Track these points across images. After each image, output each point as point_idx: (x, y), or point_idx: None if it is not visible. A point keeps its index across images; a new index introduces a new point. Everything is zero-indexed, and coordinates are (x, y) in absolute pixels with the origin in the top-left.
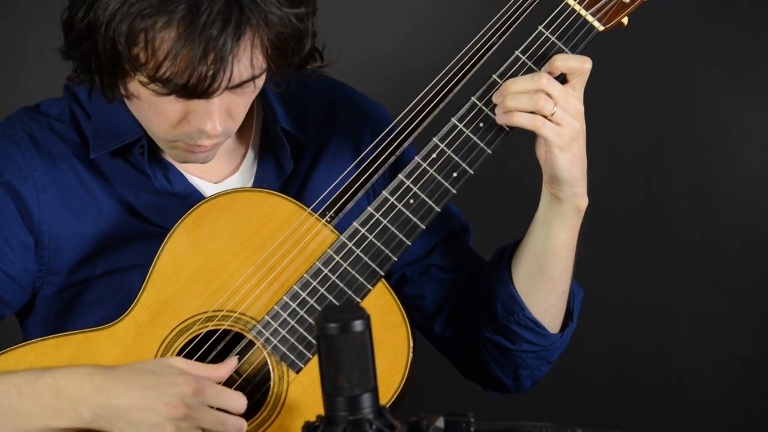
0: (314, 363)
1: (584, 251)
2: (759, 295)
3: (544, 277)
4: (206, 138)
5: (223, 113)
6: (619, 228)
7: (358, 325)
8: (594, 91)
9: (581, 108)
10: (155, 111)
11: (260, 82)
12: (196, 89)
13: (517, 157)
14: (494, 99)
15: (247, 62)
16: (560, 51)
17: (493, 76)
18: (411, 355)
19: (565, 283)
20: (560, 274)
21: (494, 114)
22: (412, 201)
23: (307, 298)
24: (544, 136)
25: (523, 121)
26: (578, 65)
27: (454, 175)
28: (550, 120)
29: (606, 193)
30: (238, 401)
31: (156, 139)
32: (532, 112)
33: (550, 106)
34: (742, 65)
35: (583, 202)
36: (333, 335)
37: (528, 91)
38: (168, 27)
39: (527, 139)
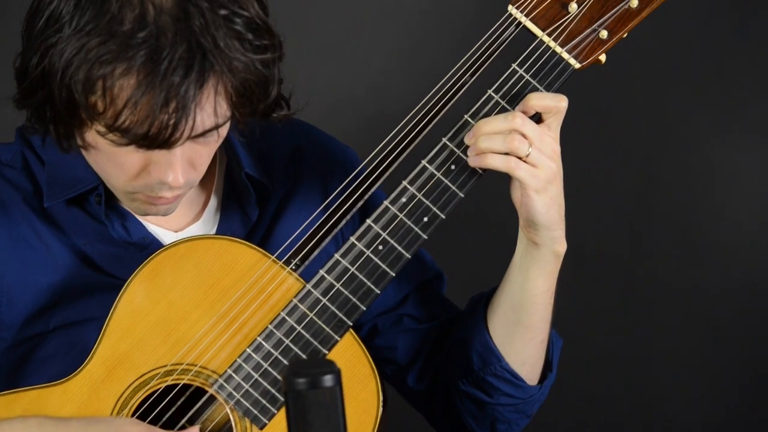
0: (279, 418)
1: (566, 300)
2: (747, 343)
3: (522, 326)
4: (168, 190)
5: (186, 164)
6: (603, 277)
7: (328, 380)
8: (575, 135)
9: (557, 148)
10: (114, 162)
11: (224, 131)
12: (157, 139)
13: (492, 200)
14: (466, 140)
15: (211, 110)
16: (535, 89)
17: (465, 116)
18: (381, 409)
19: (544, 332)
20: (538, 322)
21: (466, 156)
22: (381, 247)
23: (272, 350)
24: (519, 179)
25: (496, 163)
26: (553, 104)
27: (425, 219)
28: (525, 161)
29: (590, 240)
30: None
31: (115, 191)
32: (507, 154)
33: (525, 147)
34: (727, 112)
35: (561, 246)
36: (302, 391)
37: (501, 131)
38: (127, 74)
39: (502, 181)
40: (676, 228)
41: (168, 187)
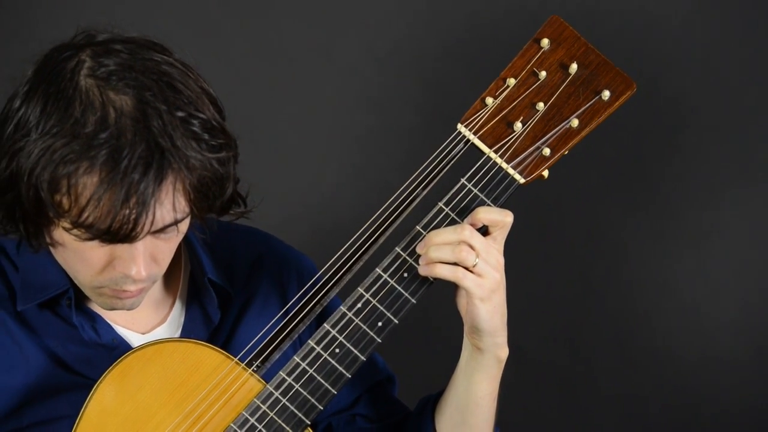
0: None
1: (507, 402)
2: None
3: (467, 426)
4: (131, 283)
5: (148, 258)
6: (543, 382)
7: None
8: (518, 247)
9: (502, 260)
10: (80, 258)
11: (183, 226)
12: (119, 233)
13: (440, 308)
14: (418, 249)
15: (170, 206)
16: (483, 203)
17: (417, 227)
18: None
19: (488, 430)
20: (482, 423)
21: (418, 264)
22: (337, 350)
23: None
24: (465, 288)
25: (444, 272)
26: (500, 218)
27: (379, 324)
28: (471, 271)
29: (530, 347)
30: None
31: (82, 287)
32: (455, 264)
33: (472, 258)
34: (659, 220)
35: (504, 352)
36: None
37: (451, 242)
38: (90, 172)
39: (449, 290)
40: (610, 334)
41: (132, 280)
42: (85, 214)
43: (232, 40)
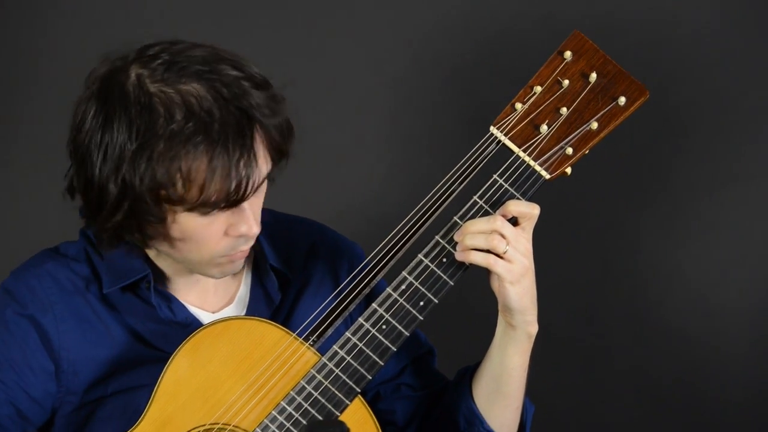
0: None
1: (533, 373)
2: (686, 407)
3: (501, 395)
4: (245, 243)
5: (253, 215)
6: (564, 354)
7: None
8: (544, 237)
9: (530, 247)
10: (200, 238)
11: (264, 185)
12: (239, 193)
13: (476, 289)
14: (455, 238)
15: (263, 159)
16: (513, 197)
17: (455, 218)
18: None
19: (519, 399)
20: (514, 392)
21: (455, 251)
22: (384, 327)
23: (293, 412)
24: (496, 272)
25: (478, 258)
26: (528, 210)
27: (421, 303)
28: (502, 258)
29: (554, 325)
30: None
31: (200, 264)
32: (488, 251)
33: (503, 245)
34: (670, 212)
35: (533, 328)
36: None
37: (482, 231)
38: (196, 157)
39: (484, 273)
40: (625, 315)
41: (245, 239)
42: (207, 191)
43: (288, 47)
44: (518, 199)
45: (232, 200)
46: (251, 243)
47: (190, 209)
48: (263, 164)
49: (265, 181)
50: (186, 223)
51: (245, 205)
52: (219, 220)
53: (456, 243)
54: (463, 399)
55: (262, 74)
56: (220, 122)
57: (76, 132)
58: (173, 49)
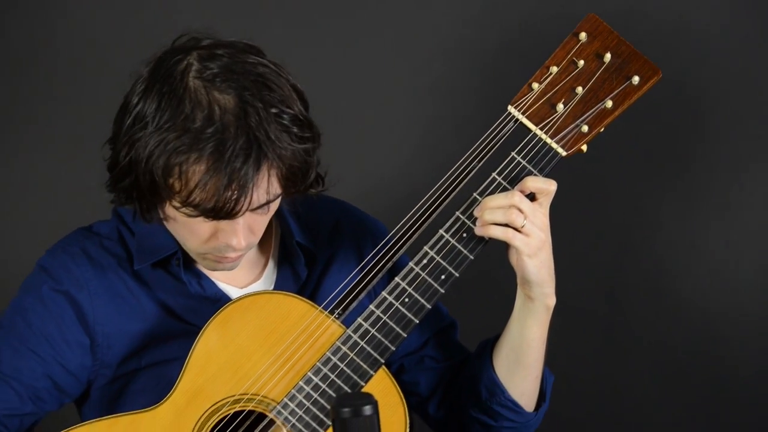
0: None
1: (554, 346)
2: (705, 384)
3: (521, 365)
4: (232, 251)
5: (246, 230)
6: (585, 329)
7: (367, 409)
8: (562, 213)
9: (547, 222)
10: (188, 230)
11: (275, 205)
12: (222, 211)
13: (496, 264)
14: (475, 213)
15: (264, 189)
16: (530, 173)
17: (474, 194)
18: (408, 430)
19: (538, 369)
20: (534, 362)
21: (475, 226)
22: (407, 300)
23: (319, 382)
24: (514, 246)
25: (497, 233)
26: (545, 186)
27: (442, 277)
28: (520, 232)
29: (573, 299)
30: None
31: (189, 253)
32: (506, 225)
33: (521, 220)
34: (689, 192)
35: (551, 300)
36: (346, 419)
37: (501, 206)
38: (198, 161)
39: (503, 248)
40: (644, 289)
41: (232, 249)
42: (194, 196)
43: (322, 33)
44: (535, 175)
45: (217, 215)
46: (240, 254)
47: (178, 205)
48: (265, 192)
49: (271, 205)
50: (175, 213)
51: (238, 219)
52: (207, 223)
53: (476, 218)
54: (485, 370)
55: (305, 115)
56: (232, 141)
57: (130, 87)
58: (237, 58)
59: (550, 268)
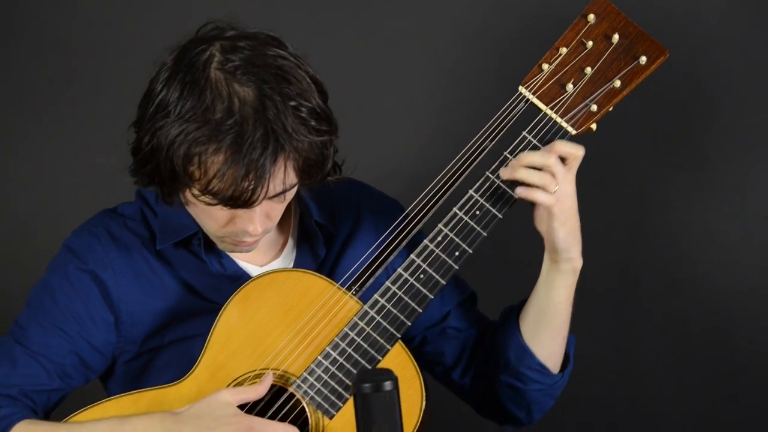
0: (344, 410)
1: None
2: (717, 360)
3: (548, 328)
4: (248, 237)
5: (263, 217)
6: (598, 304)
7: (387, 385)
8: (581, 192)
9: (575, 189)
10: (207, 215)
11: (291, 193)
12: (239, 200)
13: (511, 237)
14: (502, 175)
15: (281, 179)
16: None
17: (486, 172)
18: (424, 403)
19: (564, 331)
20: (561, 324)
21: (488, 205)
22: (422, 276)
23: (338, 357)
24: (552, 212)
25: (540, 197)
26: (574, 151)
27: (456, 253)
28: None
29: (587, 277)
30: (287, 428)
31: (209, 235)
32: (537, 187)
33: (554, 185)
34: (701, 173)
35: (579, 263)
36: (367, 394)
37: (539, 165)
38: (217, 152)
39: (524, 228)
40: (657, 267)
41: (249, 234)
42: (212, 185)
43: (342, 20)
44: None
45: (235, 204)
46: (257, 240)
47: (197, 193)
48: (281, 182)
49: (287, 194)
50: (194, 199)
51: (257, 207)
52: (225, 210)
53: (489, 197)
54: (512, 335)
55: (323, 107)
56: (251, 133)
57: (155, 74)
58: (259, 50)
59: (578, 233)
